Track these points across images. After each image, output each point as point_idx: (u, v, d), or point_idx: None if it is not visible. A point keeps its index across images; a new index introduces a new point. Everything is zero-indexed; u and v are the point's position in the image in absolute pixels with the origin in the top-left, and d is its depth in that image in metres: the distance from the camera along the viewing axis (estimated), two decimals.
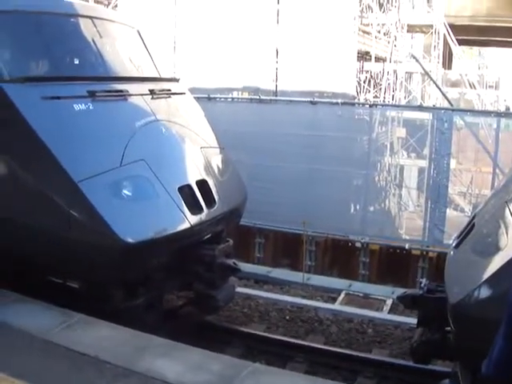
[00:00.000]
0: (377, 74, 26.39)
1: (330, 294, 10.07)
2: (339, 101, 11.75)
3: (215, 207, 7.22)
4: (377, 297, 9.99)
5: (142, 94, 7.35)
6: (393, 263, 11.30)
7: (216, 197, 7.28)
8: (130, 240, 6.02)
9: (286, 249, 12.06)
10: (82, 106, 6.54)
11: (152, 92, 7.49)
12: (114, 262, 6.15)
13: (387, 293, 10.00)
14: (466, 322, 4.92)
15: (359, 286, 10.47)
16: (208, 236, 7.29)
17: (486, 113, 13.07)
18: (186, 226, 6.69)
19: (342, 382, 5.65)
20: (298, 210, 11.35)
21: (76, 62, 7.36)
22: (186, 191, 6.88)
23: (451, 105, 11.53)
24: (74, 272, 6.42)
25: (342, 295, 9.97)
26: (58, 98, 6.44)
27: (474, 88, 29.79)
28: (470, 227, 5.92)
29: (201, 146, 7.74)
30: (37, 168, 6.24)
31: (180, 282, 7.35)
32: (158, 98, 7.58)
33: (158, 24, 18.55)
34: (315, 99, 11.73)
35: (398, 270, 11.15)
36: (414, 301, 6.20)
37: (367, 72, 25.92)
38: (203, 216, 6.97)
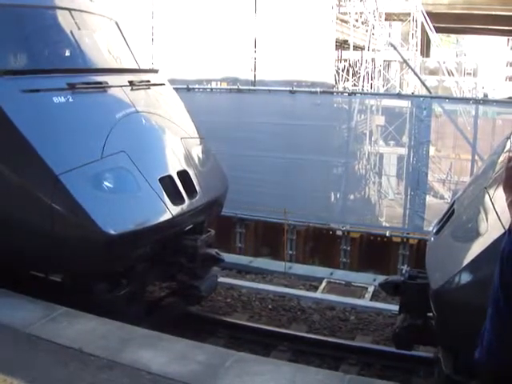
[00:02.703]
0: (355, 63, 26.49)
1: (312, 283, 10.10)
2: (318, 90, 11.77)
3: (196, 197, 7.21)
4: (358, 284, 10.03)
5: (121, 86, 7.29)
6: (374, 251, 11.37)
7: (197, 187, 7.28)
8: (112, 232, 5.99)
9: (267, 238, 12.09)
10: (62, 99, 6.47)
11: (131, 83, 7.44)
12: (97, 254, 6.13)
13: (369, 280, 10.06)
14: (447, 307, 4.97)
15: (341, 274, 10.52)
16: (190, 226, 7.29)
17: (464, 100, 13.10)
18: (167, 216, 6.68)
19: (325, 369, 5.66)
20: (279, 199, 11.36)
21: (55, 54, 7.31)
22: (167, 182, 6.87)
23: (430, 92, 11.59)
24: (57, 265, 6.41)
25: (324, 283, 10.00)
26: (38, 90, 6.38)
27: (452, 75, 29.93)
28: (449, 213, 5.96)
29: (181, 137, 7.72)
30: (17, 162, 6.18)
31: (162, 273, 7.34)
32: (137, 89, 7.54)
33: (135, 14, 18.44)
34: (294, 88, 11.73)
35: (379, 257, 11.22)
36: (396, 287, 6.23)
37: (345, 61, 26.01)
38: (185, 206, 6.97)
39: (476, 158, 10.70)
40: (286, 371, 4.88)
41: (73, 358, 4.71)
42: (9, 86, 6.26)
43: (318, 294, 9.54)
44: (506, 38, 54.24)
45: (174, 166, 7.24)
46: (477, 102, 10.61)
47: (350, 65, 25.92)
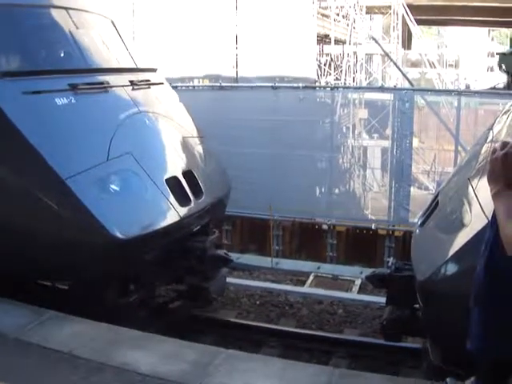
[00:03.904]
0: (337, 57, 26.51)
1: (299, 277, 10.14)
2: (300, 85, 11.78)
3: (202, 198, 7.12)
4: (345, 277, 10.08)
5: (122, 86, 7.18)
6: (360, 244, 11.40)
7: (203, 187, 7.18)
8: (122, 236, 5.86)
9: (253, 234, 12.09)
10: (64, 100, 6.33)
11: (132, 83, 7.32)
12: (107, 259, 5.99)
13: (355, 273, 10.10)
14: (433, 298, 5.01)
15: (328, 268, 10.57)
16: (197, 228, 7.20)
17: (446, 92, 13.16)
18: (176, 218, 6.58)
19: (315, 364, 5.69)
20: (264, 195, 11.35)
21: (54, 54, 7.17)
22: (173, 183, 6.76)
23: (412, 85, 11.63)
24: (66, 272, 6.21)
25: (311, 278, 10.04)
26: (39, 92, 6.21)
27: (434, 67, 30.02)
28: (434, 205, 6.00)
29: (184, 136, 7.66)
30: (22, 167, 6.01)
31: (171, 276, 7.24)
32: (138, 88, 7.41)
33: (115, 12, 18.33)
34: (276, 84, 11.73)
35: (366, 250, 11.26)
36: (383, 280, 6.28)
37: (327, 55, 26.05)
38: (192, 207, 6.88)
39: (459, 148, 10.75)
40: (275, 367, 4.91)
41: (63, 362, 4.71)
42: (10, 88, 6.10)
43: (305, 289, 9.58)
44: (487, 28, 54.56)
45: (178, 166, 7.15)
46: (459, 93, 10.65)
47: (331, 59, 25.93)
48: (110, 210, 6.01)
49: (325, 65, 25.20)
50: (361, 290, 9.49)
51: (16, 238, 5.96)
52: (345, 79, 25.24)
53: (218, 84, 12.47)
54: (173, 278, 7.36)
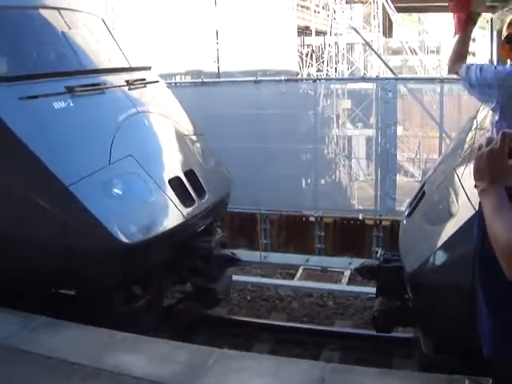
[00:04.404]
0: (318, 48, 26.49)
1: (289, 271, 10.15)
2: (282, 78, 11.76)
3: (206, 198, 7.00)
4: (335, 269, 10.10)
5: (119, 86, 7.03)
6: (348, 234, 11.39)
7: (205, 187, 7.07)
8: (129, 241, 5.73)
9: (241, 229, 12.06)
10: (62, 104, 6.14)
11: (128, 83, 7.16)
12: (114, 265, 5.86)
13: (344, 264, 10.11)
14: (423, 289, 5.03)
15: (316, 260, 10.57)
16: (201, 228, 7.09)
17: (429, 80, 13.16)
18: (181, 219, 6.46)
19: (308, 360, 5.69)
20: (250, 189, 11.31)
21: (48, 56, 6.95)
22: (175, 183, 6.63)
23: (394, 74, 11.61)
24: (72, 280, 6.01)
25: (300, 271, 10.05)
26: (36, 96, 6.00)
27: (416, 54, 30.06)
28: (420, 195, 6.02)
29: (182, 135, 7.55)
30: (22, 175, 5.83)
31: (177, 278, 7.14)
32: (134, 88, 7.24)
33: (94, 8, 18.20)
34: (258, 78, 11.70)
35: (354, 240, 11.25)
36: (372, 271, 6.29)
37: (308, 46, 26.03)
38: (196, 208, 6.76)
39: (443, 135, 10.77)
40: (269, 365, 4.91)
41: (58, 369, 4.67)
42: (5, 94, 5.93)
43: (295, 282, 9.59)
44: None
45: (180, 165, 7.03)
46: (442, 81, 10.64)
47: (313, 50, 25.95)
48: (116, 215, 5.86)
49: (306, 56, 25.20)
50: (350, 281, 9.51)
51: (19, 247, 5.77)
52: (327, 70, 25.25)
53: (200, 80, 12.42)
54: (179, 280, 7.26)
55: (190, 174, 6.98)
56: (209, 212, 7.09)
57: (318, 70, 25.49)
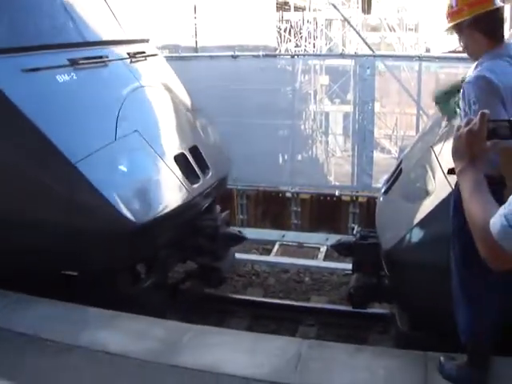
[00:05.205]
0: (297, 23, 26.38)
1: (265, 246, 10.15)
2: (261, 53, 11.70)
3: (210, 175, 6.89)
4: (311, 245, 10.10)
5: (122, 59, 6.83)
6: (324, 210, 11.42)
7: (209, 163, 6.95)
8: (139, 220, 5.53)
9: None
10: (66, 77, 5.90)
11: (130, 55, 6.97)
12: (124, 245, 5.64)
13: (321, 240, 10.12)
14: (399, 266, 5.06)
15: (293, 236, 10.56)
16: (205, 206, 6.98)
17: (407, 57, 13.14)
18: (188, 197, 6.32)
19: (284, 336, 5.72)
20: None
21: (47, 27, 6.59)
22: (180, 160, 6.49)
23: (372, 51, 11.56)
24: (80, 262, 5.74)
25: (277, 246, 10.05)
26: (39, 69, 5.72)
27: (394, 31, 30.00)
28: (397, 172, 6.03)
29: (184, 110, 7.42)
30: (26, 152, 5.56)
31: (182, 257, 7.07)
32: (136, 61, 7.06)
33: None
34: (236, 53, 11.61)
35: (330, 216, 11.28)
36: (348, 248, 6.32)
37: (287, 22, 25.89)
38: (201, 185, 6.64)
39: (421, 112, 10.80)
40: (245, 341, 4.95)
41: (30, 345, 4.67)
42: (8, 66, 5.62)
43: (271, 258, 9.59)
44: None
45: (184, 142, 6.87)
46: (420, 59, 10.65)
47: (291, 26, 25.83)
48: (124, 194, 5.62)
49: (285, 31, 25.10)
50: (326, 257, 9.53)
51: (23, 227, 5.55)
52: (305, 45, 25.17)
53: (178, 54, 12.32)
54: (183, 259, 7.19)
55: (193, 150, 6.86)
56: (212, 190, 6.99)
57: (297, 46, 25.43)
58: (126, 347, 4.64)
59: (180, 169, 6.38)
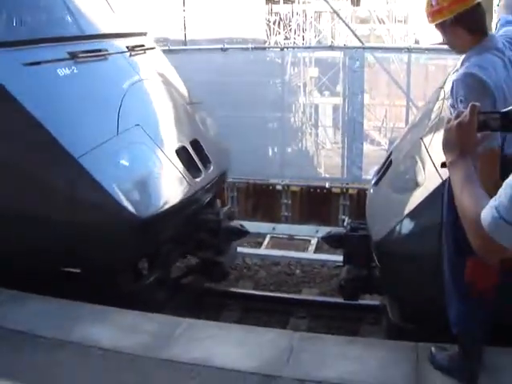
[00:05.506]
0: (286, 16, 26.36)
1: (256, 239, 10.15)
2: (250, 46, 11.67)
3: (211, 168, 6.86)
4: (301, 237, 10.13)
5: (121, 52, 6.76)
6: (314, 203, 11.43)
7: (210, 157, 6.91)
8: (143, 215, 5.47)
9: None
10: (67, 71, 5.81)
11: (129, 49, 6.89)
12: (128, 241, 5.59)
13: (311, 232, 10.14)
14: (389, 258, 5.07)
15: (283, 228, 10.58)
16: (207, 200, 6.95)
17: (396, 49, 13.14)
18: (191, 191, 6.27)
19: (275, 329, 5.72)
20: None
21: (46, 20, 6.55)
22: (182, 153, 6.44)
23: (362, 43, 11.56)
24: (83, 258, 5.64)
25: (267, 239, 10.07)
26: (39, 63, 5.65)
27: (384, 23, 30.00)
28: (387, 164, 6.04)
29: (185, 104, 7.38)
30: (28, 146, 5.44)
31: (184, 251, 7.03)
32: (135, 54, 6.99)
33: None
34: (225, 46, 11.58)
35: (320, 209, 11.29)
36: (339, 240, 6.33)
37: (276, 14, 25.86)
38: (203, 179, 6.60)
39: (410, 104, 10.82)
40: (236, 333, 4.95)
41: (24, 342, 4.66)
42: (9, 60, 5.54)
43: (262, 251, 9.61)
44: None
45: (185, 135, 6.82)
46: (409, 50, 10.67)
47: (280, 18, 25.81)
48: (128, 189, 5.56)
49: (274, 24, 25.07)
50: (317, 249, 9.55)
51: (24, 223, 5.47)
52: (294, 38, 25.15)
53: (167, 47, 12.26)
54: (185, 254, 7.18)
55: (194, 143, 6.83)
56: (214, 184, 6.96)
57: (286, 38, 25.41)
58: (119, 342, 4.64)
59: (182, 162, 6.36)
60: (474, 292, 3.76)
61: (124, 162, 5.73)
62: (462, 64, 3.95)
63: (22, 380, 4.19)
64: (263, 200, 11.79)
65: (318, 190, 11.41)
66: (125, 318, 5.12)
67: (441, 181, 4.44)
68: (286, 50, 12.29)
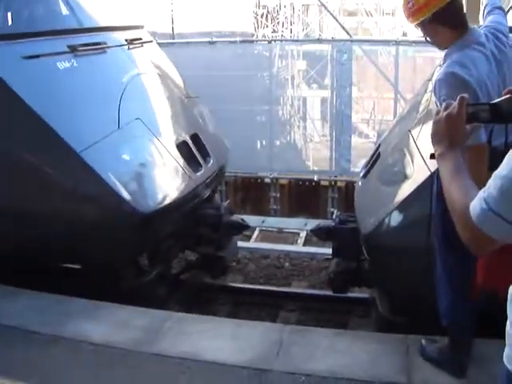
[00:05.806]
0: (274, 9, 26.30)
1: (245, 232, 10.13)
2: (238, 39, 11.67)
3: (211, 162, 6.81)
4: (290, 230, 10.13)
5: (120, 45, 6.72)
6: (303, 196, 11.45)
7: (209, 151, 6.87)
8: (146, 210, 5.41)
9: None
10: (66, 64, 5.77)
11: (127, 42, 6.85)
12: (130, 236, 5.55)
13: (300, 225, 10.16)
14: (378, 250, 5.08)
15: (272, 221, 10.59)
16: (207, 194, 6.90)
17: (384, 42, 13.16)
18: (192, 186, 6.22)
19: (265, 322, 5.73)
20: None
21: (44, 13, 6.49)
22: (182, 147, 6.41)
23: (349, 36, 11.55)
24: (85, 254, 5.63)
25: (257, 232, 10.06)
26: (39, 56, 5.60)
27: (371, 16, 29.96)
28: (375, 157, 6.05)
29: (184, 98, 7.35)
30: (29, 141, 5.39)
31: (185, 247, 7.00)
32: (133, 48, 6.94)
33: None
34: (213, 39, 11.56)
35: (309, 201, 11.31)
36: (328, 233, 6.33)
37: (264, 7, 25.79)
38: (204, 174, 6.56)
39: (398, 96, 10.84)
40: (226, 327, 4.95)
41: (17, 337, 4.66)
42: (8, 53, 5.48)
43: (251, 244, 9.58)
44: None
45: (185, 129, 6.78)
46: (397, 43, 10.69)
47: (268, 11, 25.74)
48: (130, 183, 5.54)
49: (261, 17, 25.00)
50: (306, 242, 9.56)
51: (25, 219, 5.43)
52: (282, 31, 25.09)
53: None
54: (186, 249, 7.15)
55: (194, 137, 6.80)
56: (214, 178, 6.93)
57: (274, 31, 25.34)
58: (109, 337, 4.66)
59: (183, 157, 6.33)
60: (477, 293, 3.73)
61: (126, 157, 5.69)
62: (444, 60, 3.94)
63: (15, 375, 4.20)
64: (252, 193, 11.80)
65: (307, 183, 11.43)
66: (115, 313, 5.12)
67: (429, 173, 4.45)
68: (273, 42, 12.29)
